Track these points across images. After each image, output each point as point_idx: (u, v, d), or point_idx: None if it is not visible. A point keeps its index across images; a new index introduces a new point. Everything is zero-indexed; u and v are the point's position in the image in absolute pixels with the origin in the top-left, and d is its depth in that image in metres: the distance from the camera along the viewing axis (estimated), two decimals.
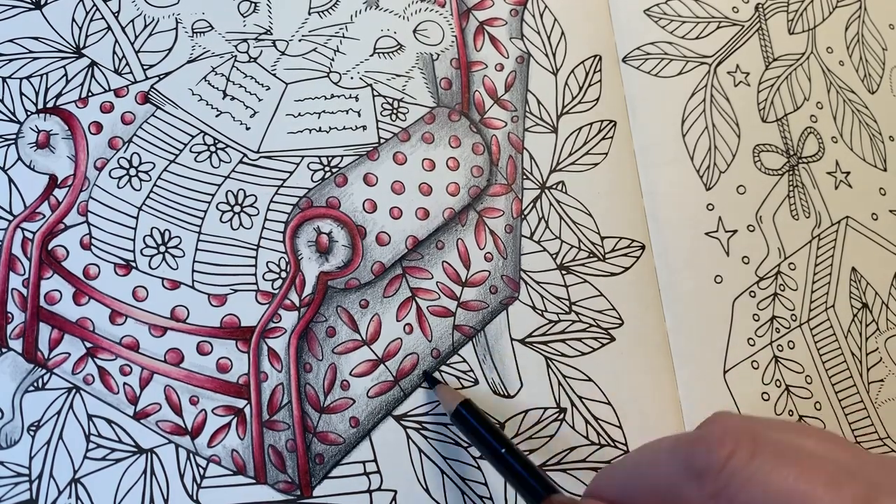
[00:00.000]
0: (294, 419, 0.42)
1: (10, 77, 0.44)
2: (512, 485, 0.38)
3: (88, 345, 0.42)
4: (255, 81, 0.45)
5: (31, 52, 0.44)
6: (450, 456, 0.43)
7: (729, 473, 0.26)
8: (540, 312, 0.45)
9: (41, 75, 0.44)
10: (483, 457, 0.41)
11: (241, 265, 0.43)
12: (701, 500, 0.26)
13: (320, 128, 0.45)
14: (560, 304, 0.46)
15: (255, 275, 0.43)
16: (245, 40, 0.46)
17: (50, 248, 0.42)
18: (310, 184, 0.44)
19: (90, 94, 0.44)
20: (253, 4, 0.46)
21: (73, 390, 0.41)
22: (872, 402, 0.49)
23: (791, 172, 0.51)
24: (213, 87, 0.45)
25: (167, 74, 0.45)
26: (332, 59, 0.46)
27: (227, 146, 0.44)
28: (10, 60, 0.44)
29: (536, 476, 0.36)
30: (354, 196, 0.44)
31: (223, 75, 0.45)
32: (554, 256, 0.46)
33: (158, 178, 0.44)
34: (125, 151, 0.44)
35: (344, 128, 0.45)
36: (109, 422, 0.41)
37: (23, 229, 0.42)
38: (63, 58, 0.44)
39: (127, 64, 0.45)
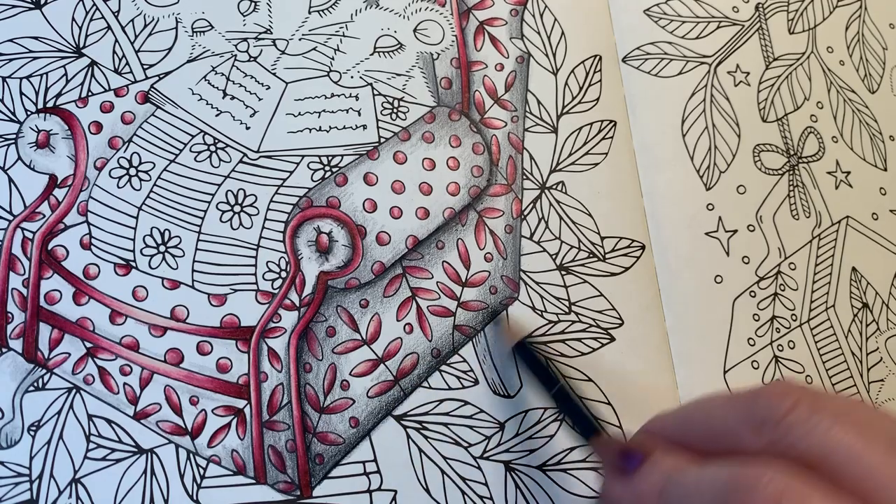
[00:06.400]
0: (294, 419, 0.42)
1: (10, 77, 0.44)
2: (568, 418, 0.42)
3: (88, 345, 0.42)
4: (255, 81, 0.45)
5: (31, 51, 0.44)
6: (450, 456, 0.43)
7: (788, 424, 0.26)
8: (540, 313, 0.45)
9: (41, 75, 0.44)
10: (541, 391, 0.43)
11: (241, 265, 0.43)
12: (758, 447, 0.26)
13: (320, 127, 0.45)
14: (560, 305, 0.45)
15: (255, 274, 0.43)
16: (245, 39, 0.46)
17: (50, 247, 0.42)
18: (310, 183, 0.44)
19: (90, 93, 0.44)
20: (253, 3, 0.46)
21: (74, 390, 0.41)
22: (873, 402, 0.49)
23: (791, 172, 0.51)
24: (213, 86, 0.45)
25: (167, 74, 0.45)
26: (333, 59, 0.46)
27: (227, 146, 0.44)
28: (10, 60, 0.44)
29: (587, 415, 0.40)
30: (354, 195, 0.44)
31: (223, 75, 0.45)
32: (554, 257, 0.46)
33: (158, 177, 0.43)
34: (125, 151, 0.44)
35: (344, 127, 0.45)
36: (109, 422, 0.41)
37: (23, 229, 0.42)
38: (63, 57, 0.44)
39: (127, 63, 0.45)
